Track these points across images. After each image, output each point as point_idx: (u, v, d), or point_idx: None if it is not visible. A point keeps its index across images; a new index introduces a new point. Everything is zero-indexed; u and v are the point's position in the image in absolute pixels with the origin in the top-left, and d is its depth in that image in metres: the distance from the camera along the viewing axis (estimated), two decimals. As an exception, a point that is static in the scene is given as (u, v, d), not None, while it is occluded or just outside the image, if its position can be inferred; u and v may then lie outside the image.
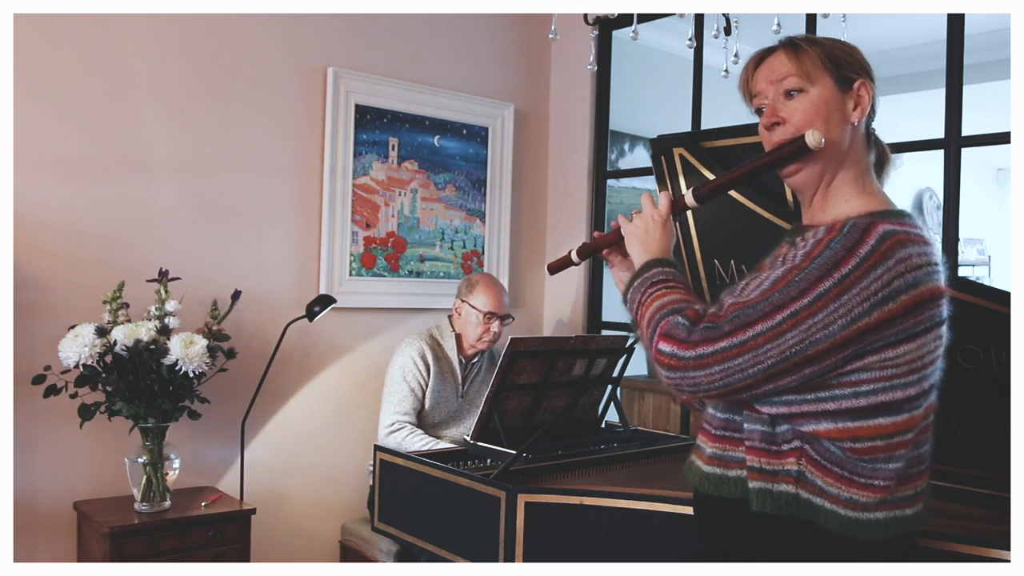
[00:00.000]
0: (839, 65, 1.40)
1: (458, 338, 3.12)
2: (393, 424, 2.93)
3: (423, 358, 3.01)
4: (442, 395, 3.05)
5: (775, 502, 1.30)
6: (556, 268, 1.74)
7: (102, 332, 2.44)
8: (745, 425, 1.34)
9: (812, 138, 1.35)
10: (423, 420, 3.02)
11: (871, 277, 1.21)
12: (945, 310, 1.30)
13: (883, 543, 1.30)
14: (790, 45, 1.42)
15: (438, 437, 3.02)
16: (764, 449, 1.32)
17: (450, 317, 3.18)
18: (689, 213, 2.35)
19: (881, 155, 1.48)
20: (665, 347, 1.28)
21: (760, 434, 1.32)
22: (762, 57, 1.46)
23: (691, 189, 1.51)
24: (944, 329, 1.31)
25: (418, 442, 2.84)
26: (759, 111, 1.46)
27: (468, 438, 2.61)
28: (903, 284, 1.22)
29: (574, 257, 1.66)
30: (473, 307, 3.05)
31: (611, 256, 1.64)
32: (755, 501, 1.31)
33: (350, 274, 3.25)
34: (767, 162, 1.43)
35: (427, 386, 3.01)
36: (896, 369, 1.26)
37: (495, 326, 3.06)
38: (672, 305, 1.32)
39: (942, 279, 1.28)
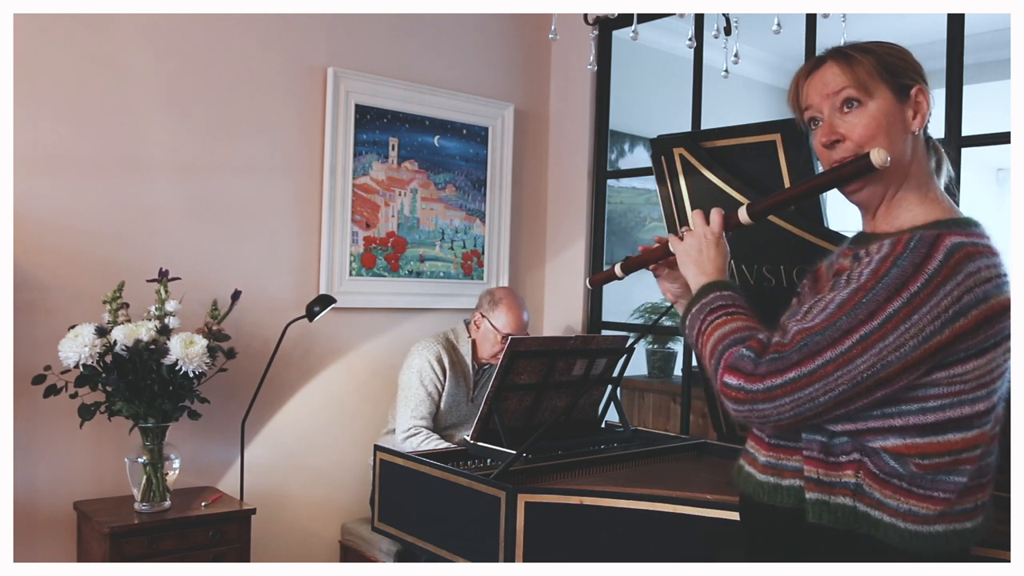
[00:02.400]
0: (895, 73, 1.34)
1: (474, 343, 3.13)
2: (410, 429, 2.93)
3: (439, 361, 3.01)
4: (455, 399, 3.06)
5: (832, 514, 1.27)
6: (599, 282, 1.69)
7: (102, 332, 2.44)
8: (803, 435, 1.30)
9: (878, 157, 1.28)
10: (436, 423, 3.02)
11: (941, 294, 1.17)
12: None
13: (941, 557, 1.25)
14: (840, 55, 1.36)
15: (448, 440, 3.02)
16: (822, 460, 1.28)
17: (467, 324, 3.18)
18: (689, 213, 2.34)
19: (939, 159, 1.42)
20: (731, 380, 1.24)
21: (819, 444, 1.28)
22: (812, 68, 1.40)
23: (745, 206, 1.45)
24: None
25: (433, 447, 2.84)
26: (812, 122, 1.41)
27: (468, 438, 2.61)
28: (973, 299, 1.18)
29: (618, 272, 1.61)
30: (493, 326, 3.05)
31: (658, 268, 1.60)
32: (811, 512, 1.28)
33: (350, 274, 3.25)
34: (829, 180, 1.37)
35: (443, 389, 3.02)
36: (965, 385, 1.22)
37: None
38: (735, 335, 1.28)
39: (1010, 290, 1.24)
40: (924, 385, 1.22)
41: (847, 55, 1.36)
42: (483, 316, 3.09)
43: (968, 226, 1.29)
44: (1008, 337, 1.24)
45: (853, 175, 1.33)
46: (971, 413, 1.23)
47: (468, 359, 3.11)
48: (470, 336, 3.14)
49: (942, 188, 1.40)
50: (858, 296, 1.20)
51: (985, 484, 1.30)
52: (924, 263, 1.18)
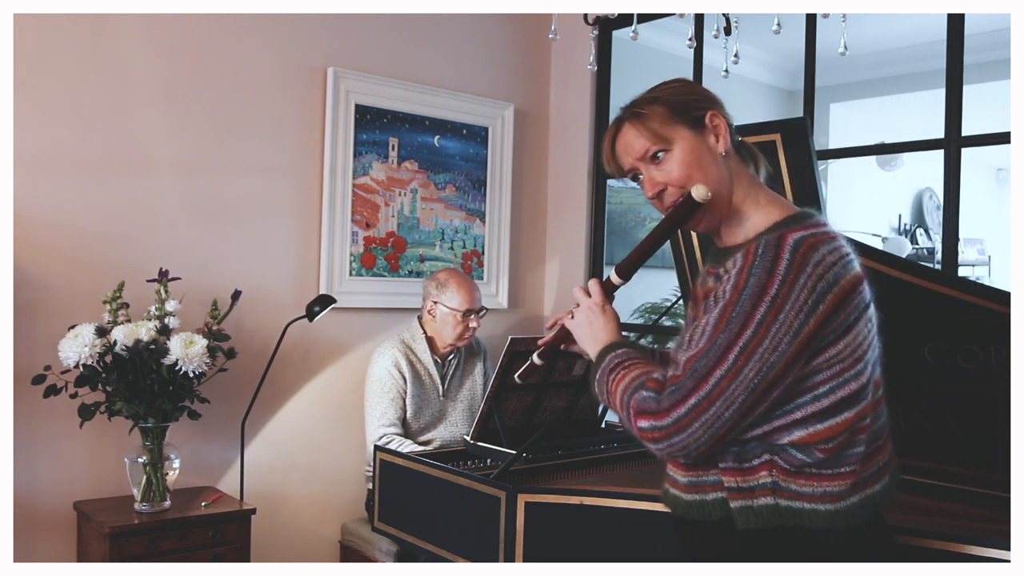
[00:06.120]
0: (684, 110, 1.43)
1: (430, 339, 3.10)
2: (382, 438, 2.92)
3: (397, 367, 2.99)
4: (423, 399, 3.04)
5: (758, 516, 1.33)
6: (525, 376, 1.73)
7: (102, 332, 2.44)
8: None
9: (699, 192, 1.39)
10: (407, 428, 3.01)
11: (797, 288, 1.26)
12: (868, 293, 1.34)
13: (861, 527, 1.34)
14: (632, 115, 1.45)
15: (426, 441, 3.02)
16: (736, 468, 1.35)
17: (419, 318, 3.15)
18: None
19: (756, 161, 1.52)
20: (644, 423, 1.31)
21: (732, 455, 1.35)
22: (614, 135, 1.49)
23: (614, 268, 1.54)
24: (872, 310, 1.35)
25: (407, 452, 2.83)
26: (635, 179, 1.49)
27: (468, 438, 2.61)
28: (826, 285, 1.27)
29: (536, 360, 1.68)
30: (448, 307, 3.02)
31: (571, 346, 1.65)
32: (739, 520, 1.34)
33: (350, 274, 3.25)
34: (669, 228, 1.47)
35: (406, 393, 3.00)
36: (843, 364, 1.31)
37: (473, 322, 3.04)
38: (634, 382, 1.35)
39: (856, 265, 1.33)
40: (808, 375, 1.30)
41: (637, 114, 1.45)
42: (435, 302, 3.05)
43: (805, 219, 1.38)
44: (866, 308, 1.33)
45: (685, 215, 1.43)
46: (857, 388, 1.32)
47: (427, 356, 3.07)
48: (424, 331, 3.10)
49: (767, 187, 1.49)
50: (728, 312, 1.29)
51: (881, 446, 1.40)
52: (775, 265, 1.27)
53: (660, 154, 1.43)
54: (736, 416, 1.27)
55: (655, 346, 4.16)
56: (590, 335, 1.51)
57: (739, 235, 1.44)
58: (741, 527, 1.34)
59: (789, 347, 1.26)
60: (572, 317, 1.56)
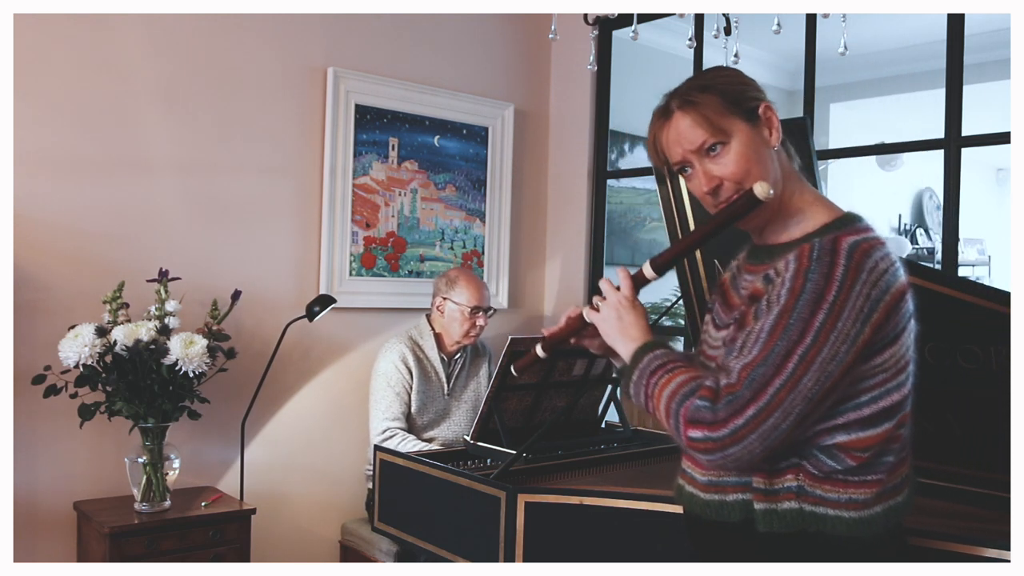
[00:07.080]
0: (739, 101, 1.37)
1: (438, 337, 3.10)
2: (385, 431, 2.92)
3: (404, 362, 2.99)
4: (428, 396, 3.04)
5: (781, 520, 1.31)
6: (524, 367, 1.64)
7: (102, 332, 2.44)
8: None
9: (761, 191, 1.33)
10: (411, 424, 3.01)
11: (854, 295, 1.23)
12: (911, 303, 1.31)
13: (883, 536, 1.32)
14: (685, 104, 1.37)
15: (429, 438, 3.02)
16: (764, 470, 1.32)
17: (428, 316, 3.16)
18: (690, 213, 2.35)
19: (790, 152, 1.46)
20: (696, 434, 1.25)
21: None
22: (663, 121, 1.41)
23: (648, 261, 1.47)
24: (913, 321, 1.33)
25: (411, 447, 2.84)
26: (682, 170, 1.43)
27: (468, 438, 2.61)
28: (879, 292, 1.24)
29: (540, 352, 1.58)
30: (457, 304, 3.03)
31: (582, 340, 1.57)
32: (762, 522, 1.32)
33: (350, 274, 3.25)
34: (724, 221, 1.40)
35: (412, 389, 3.01)
36: (886, 373, 1.29)
37: (480, 320, 3.05)
38: (683, 388, 1.29)
39: (903, 274, 1.30)
40: (852, 382, 1.27)
41: (692, 102, 1.37)
42: (444, 299, 3.06)
43: (855, 223, 1.35)
44: (910, 318, 1.31)
45: (744, 213, 1.38)
46: (899, 399, 1.30)
47: (434, 354, 3.08)
48: (432, 328, 3.11)
49: (809, 184, 1.45)
50: (785, 319, 1.24)
51: (905, 457, 1.37)
52: (832, 271, 1.24)
53: (716, 147, 1.36)
54: (792, 426, 1.23)
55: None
56: (619, 331, 1.43)
57: (783, 234, 1.40)
58: (764, 530, 1.31)
59: (847, 355, 1.22)
60: (597, 311, 1.47)
